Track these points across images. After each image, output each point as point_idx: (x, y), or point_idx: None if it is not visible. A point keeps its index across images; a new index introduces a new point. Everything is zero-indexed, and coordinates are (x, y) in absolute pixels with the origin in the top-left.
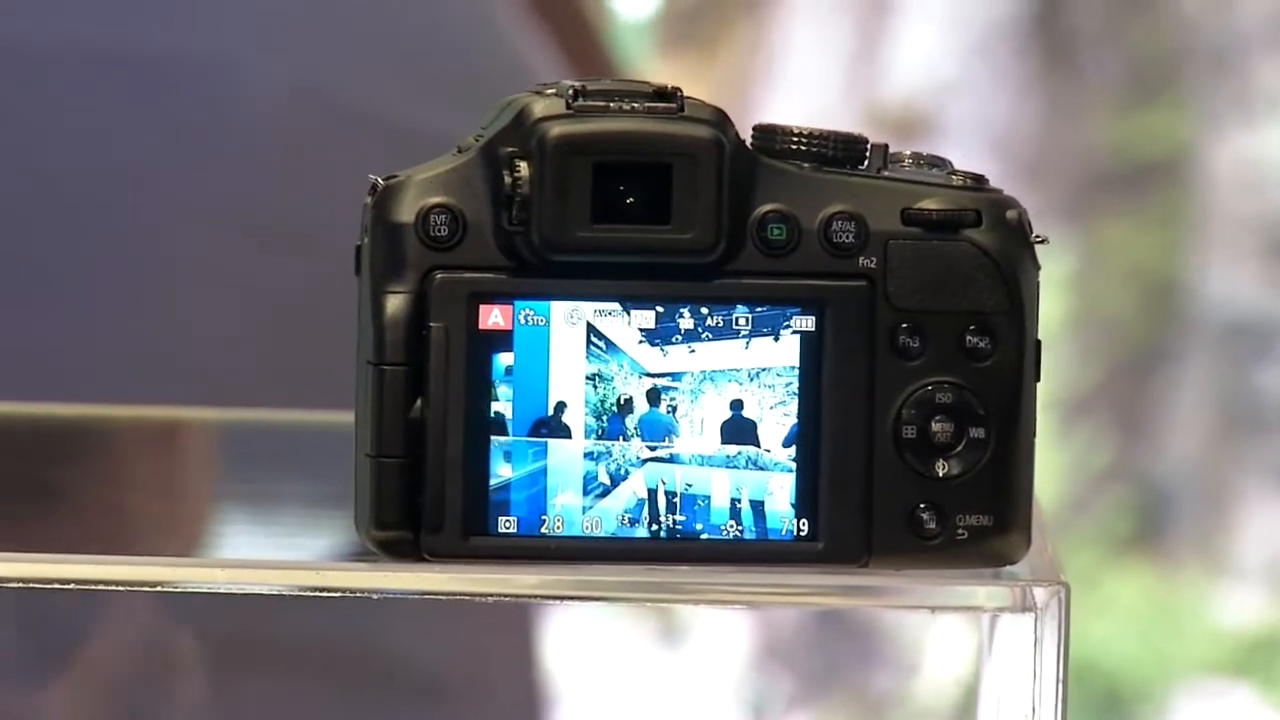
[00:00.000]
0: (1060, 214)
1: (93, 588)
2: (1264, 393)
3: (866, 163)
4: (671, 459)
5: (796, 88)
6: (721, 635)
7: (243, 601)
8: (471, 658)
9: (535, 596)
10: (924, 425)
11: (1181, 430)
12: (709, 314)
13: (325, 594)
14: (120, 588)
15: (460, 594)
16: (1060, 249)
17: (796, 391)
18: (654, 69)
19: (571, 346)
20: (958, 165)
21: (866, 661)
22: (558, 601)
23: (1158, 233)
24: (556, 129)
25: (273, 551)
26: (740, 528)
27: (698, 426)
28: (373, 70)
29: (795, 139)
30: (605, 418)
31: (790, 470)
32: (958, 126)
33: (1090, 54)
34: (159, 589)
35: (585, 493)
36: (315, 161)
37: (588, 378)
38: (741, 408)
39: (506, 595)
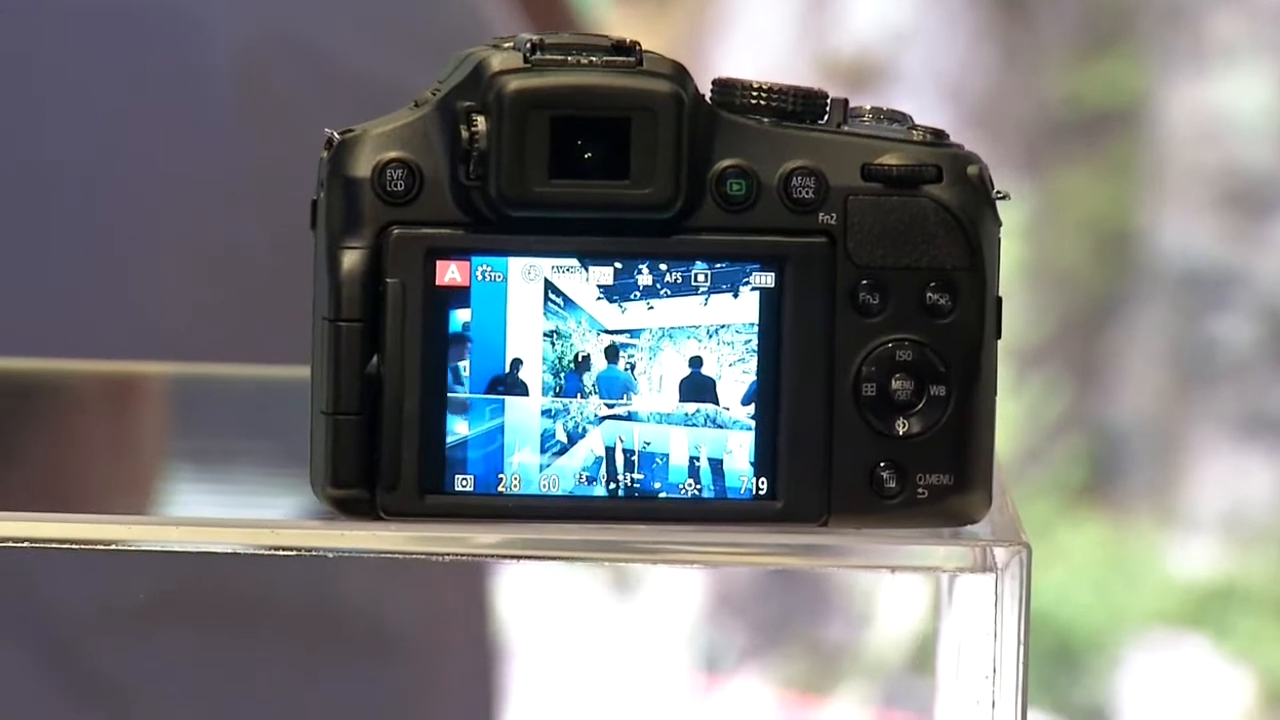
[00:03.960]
0: (1014, 164)
1: (44, 545)
2: (1218, 343)
3: (826, 117)
4: (630, 417)
5: (749, 38)
6: (674, 587)
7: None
8: (425, 609)
9: (492, 556)
10: (884, 383)
11: (1135, 380)
12: (668, 270)
13: (281, 553)
14: (72, 546)
15: (416, 554)
16: (1015, 199)
17: (756, 349)
18: (607, 21)
19: (529, 303)
20: (912, 115)
21: (819, 613)
22: (514, 561)
23: (1112, 183)
24: (514, 83)
25: (230, 510)
26: (699, 486)
27: (656, 384)
28: (343, 21)
29: (755, 93)
30: (563, 375)
31: (749, 428)
32: (911, 76)
33: (1044, 3)
34: (112, 548)
35: (543, 451)
36: (280, 113)
37: (545, 334)
38: (700, 365)
39: (463, 555)
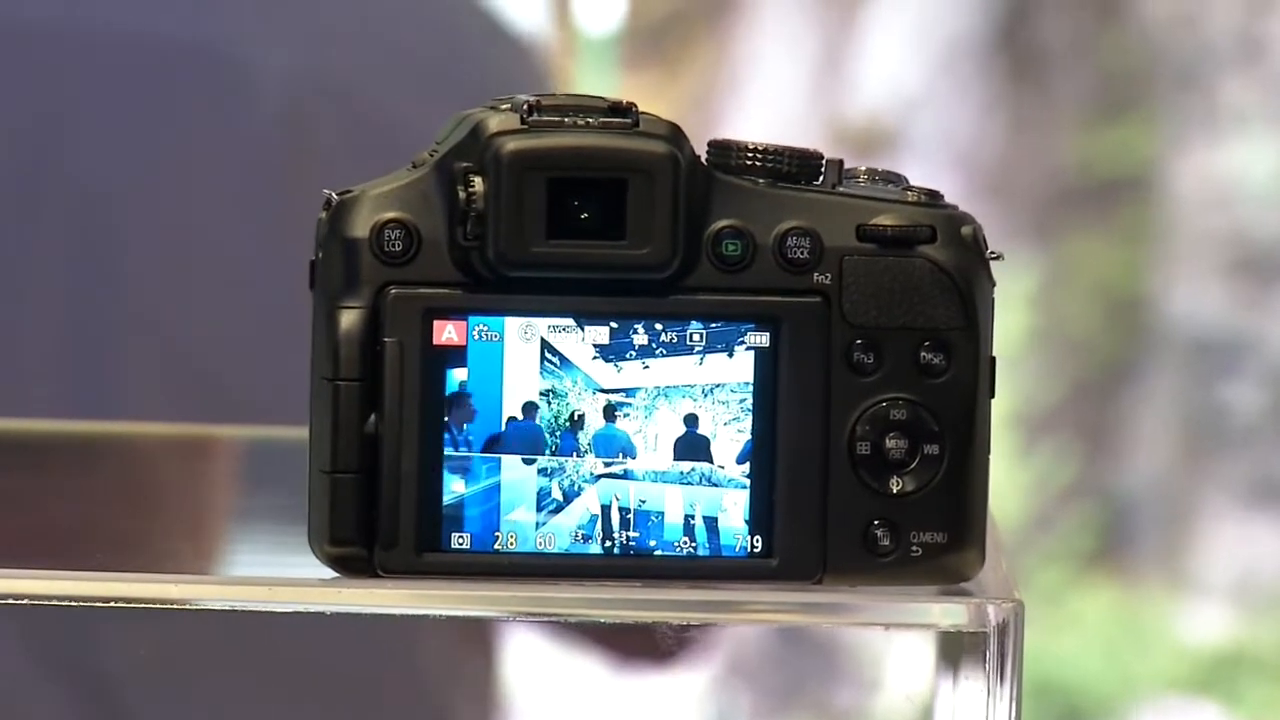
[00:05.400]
0: (1025, 230)
1: (41, 603)
2: (1228, 409)
3: (822, 178)
4: (625, 475)
5: (760, 103)
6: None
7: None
8: (429, 665)
9: (488, 615)
10: (878, 441)
11: (1146, 447)
12: (663, 330)
13: (278, 611)
14: (70, 603)
15: (412, 613)
16: (1025, 265)
17: (751, 408)
18: (618, 84)
19: (526, 362)
20: (923, 181)
21: (827, 677)
22: (511, 619)
23: (1123, 249)
24: (511, 144)
25: (280, 569)
26: (694, 544)
27: (652, 442)
28: (388, 71)
29: (750, 154)
30: (559, 434)
31: (744, 487)
32: (922, 142)
33: (1056, 70)
34: (110, 604)
35: (539, 509)
36: (327, 165)
37: (542, 394)
38: (696, 424)
39: (460, 614)
